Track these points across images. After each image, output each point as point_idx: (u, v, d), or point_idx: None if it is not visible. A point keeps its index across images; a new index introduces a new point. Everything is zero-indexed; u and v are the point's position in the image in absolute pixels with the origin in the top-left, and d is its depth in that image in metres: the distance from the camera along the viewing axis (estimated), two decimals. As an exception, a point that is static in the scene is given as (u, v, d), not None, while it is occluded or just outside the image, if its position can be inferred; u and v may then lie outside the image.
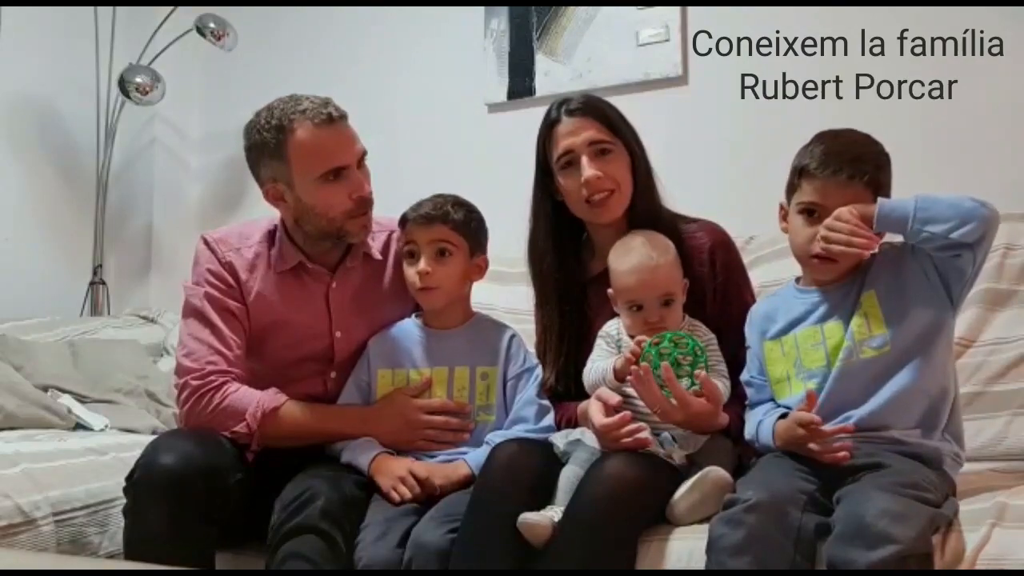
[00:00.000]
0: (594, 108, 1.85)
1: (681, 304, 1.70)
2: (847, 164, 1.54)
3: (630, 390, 1.65)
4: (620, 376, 1.65)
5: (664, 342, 1.61)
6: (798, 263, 1.65)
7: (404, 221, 1.86)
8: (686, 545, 1.47)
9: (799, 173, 1.59)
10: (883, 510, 1.27)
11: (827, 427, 1.47)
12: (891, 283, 1.56)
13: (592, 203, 1.81)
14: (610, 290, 1.74)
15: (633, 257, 1.70)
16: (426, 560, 1.53)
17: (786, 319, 1.64)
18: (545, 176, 1.89)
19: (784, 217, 1.65)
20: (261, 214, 1.98)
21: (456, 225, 1.83)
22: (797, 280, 1.70)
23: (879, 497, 1.30)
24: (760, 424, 1.60)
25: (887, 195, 1.58)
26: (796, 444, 1.51)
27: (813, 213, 1.56)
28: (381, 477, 1.71)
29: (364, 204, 1.85)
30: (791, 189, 1.62)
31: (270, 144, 1.80)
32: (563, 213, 1.90)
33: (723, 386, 1.66)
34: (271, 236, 1.93)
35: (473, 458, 1.73)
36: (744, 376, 1.70)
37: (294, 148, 1.79)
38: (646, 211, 1.85)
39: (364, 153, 1.87)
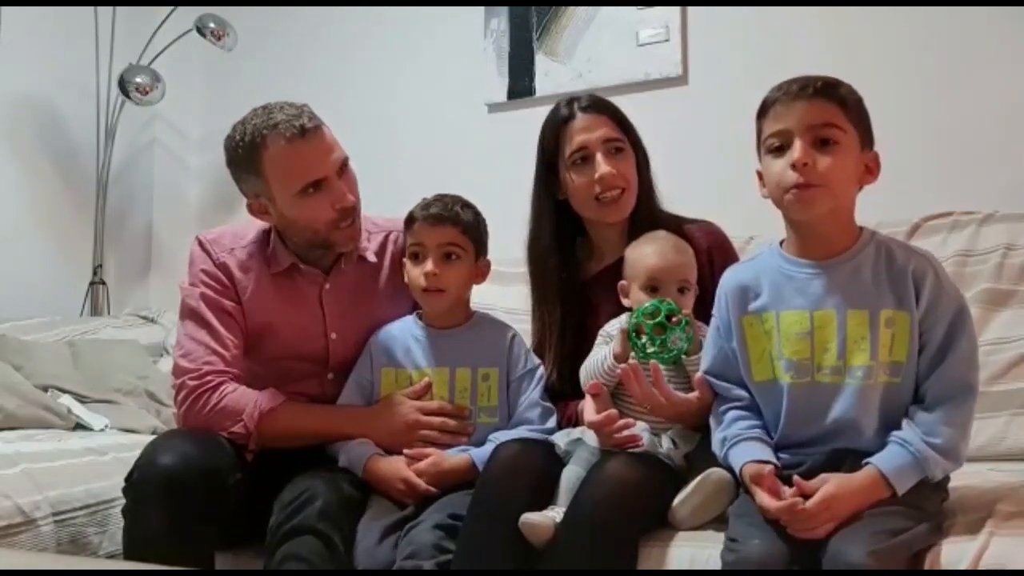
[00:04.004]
0: (606, 106, 1.86)
1: (693, 298, 1.70)
2: (797, 81, 1.45)
3: (622, 388, 1.66)
4: (621, 358, 1.65)
5: (649, 308, 1.60)
6: (778, 208, 1.49)
7: (411, 221, 1.84)
8: (687, 551, 1.47)
9: (759, 116, 1.49)
10: (869, 552, 1.25)
11: (791, 498, 1.35)
12: (928, 315, 1.43)
13: (602, 201, 1.82)
14: (621, 282, 1.74)
15: (658, 242, 1.71)
16: (422, 559, 1.52)
17: (770, 294, 1.50)
18: (548, 173, 1.89)
19: (762, 182, 1.51)
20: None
21: (465, 227, 1.81)
22: (781, 243, 1.55)
23: (862, 543, 1.27)
24: (728, 450, 1.50)
25: (860, 121, 1.45)
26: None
27: (781, 149, 1.44)
28: (378, 484, 1.72)
29: (348, 213, 1.83)
30: (758, 141, 1.50)
31: (245, 162, 1.78)
32: (564, 212, 1.90)
33: None
34: (266, 237, 1.92)
35: (477, 453, 1.73)
36: (704, 368, 1.58)
37: (269, 165, 1.77)
38: (648, 213, 1.86)
39: (345, 160, 1.83)
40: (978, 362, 1.47)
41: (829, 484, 1.35)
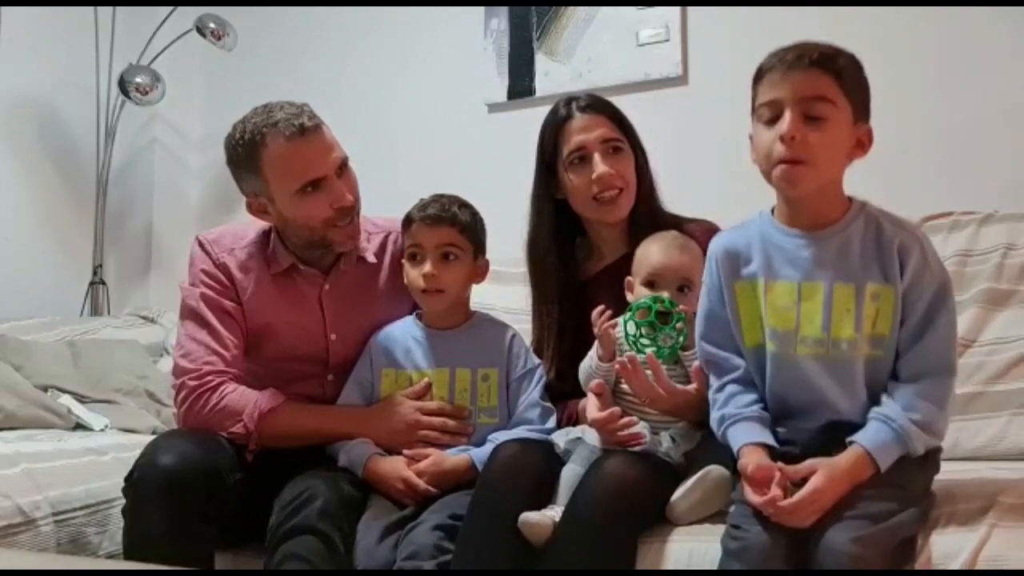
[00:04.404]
0: (605, 106, 1.87)
1: (696, 297, 1.70)
2: (793, 49, 1.41)
3: (623, 386, 1.67)
4: (606, 359, 1.67)
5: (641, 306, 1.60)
6: (766, 180, 1.46)
7: (409, 222, 1.84)
8: (685, 547, 1.47)
9: (754, 82, 1.47)
10: (851, 539, 1.26)
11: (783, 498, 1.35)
12: (911, 289, 1.43)
13: (601, 200, 1.82)
14: (628, 278, 1.74)
15: (665, 240, 1.71)
16: (422, 559, 1.52)
17: (760, 261, 1.49)
18: (548, 173, 1.89)
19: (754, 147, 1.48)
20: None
21: (463, 227, 1.81)
22: (772, 211, 1.53)
23: (845, 530, 1.28)
24: (727, 430, 1.49)
25: (856, 93, 1.41)
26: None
27: (772, 120, 1.41)
28: (378, 483, 1.72)
29: (346, 212, 1.83)
30: (752, 106, 1.48)
31: (245, 160, 1.79)
32: (562, 212, 1.90)
33: None
34: (266, 237, 1.92)
35: (477, 454, 1.73)
36: (702, 348, 1.56)
37: (268, 164, 1.77)
38: (649, 212, 1.86)
39: (344, 160, 1.83)
40: (956, 341, 1.47)
41: (817, 476, 1.34)
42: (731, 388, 1.52)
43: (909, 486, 1.38)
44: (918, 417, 1.38)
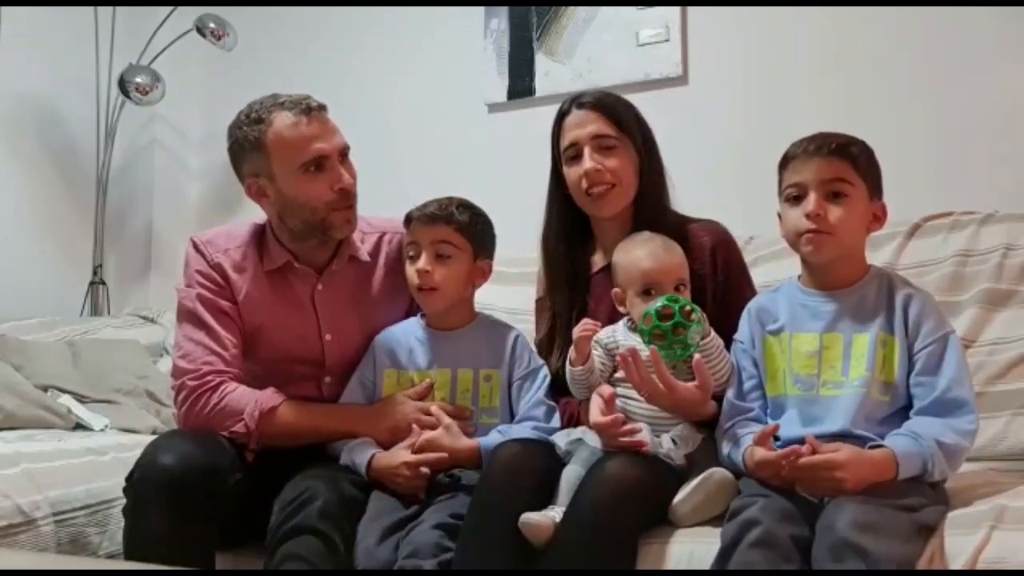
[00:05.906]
0: (604, 103, 1.87)
1: (688, 295, 1.69)
2: (814, 140, 1.60)
3: (627, 390, 1.66)
4: (577, 362, 1.69)
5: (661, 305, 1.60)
6: (794, 250, 1.64)
7: (408, 220, 1.85)
8: (686, 548, 1.47)
9: (780, 167, 1.64)
10: (853, 521, 1.29)
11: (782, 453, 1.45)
12: (916, 338, 1.55)
13: (591, 195, 1.83)
14: (615, 289, 1.73)
15: (647, 245, 1.71)
16: (422, 558, 1.52)
17: (786, 318, 1.64)
18: (558, 167, 1.91)
19: (781, 223, 1.65)
20: (260, 214, 1.97)
21: (460, 226, 1.82)
22: (798, 278, 1.68)
23: (851, 508, 1.32)
24: (732, 449, 1.58)
25: (869, 175, 1.58)
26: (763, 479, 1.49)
27: (798, 199, 1.58)
28: (382, 478, 1.71)
29: (347, 196, 1.83)
30: (779, 188, 1.64)
31: (250, 137, 1.80)
32: (572, 207, 1.92)
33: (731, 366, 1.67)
34: (260, 236, 1.92)
35: (484, 442, 1.73)
36: (730, 394, 1.65)
37: (274, 138, 1.78)
38: (652, 210, 1.86)
39: (347, 147, 1.85)
40: (971, 382, 1.55)
41: (842, 451, 1.42)
42: (742, 421, 1.62)
43: (926, 495, 1.41)
44: (945, 440, 1.45)
